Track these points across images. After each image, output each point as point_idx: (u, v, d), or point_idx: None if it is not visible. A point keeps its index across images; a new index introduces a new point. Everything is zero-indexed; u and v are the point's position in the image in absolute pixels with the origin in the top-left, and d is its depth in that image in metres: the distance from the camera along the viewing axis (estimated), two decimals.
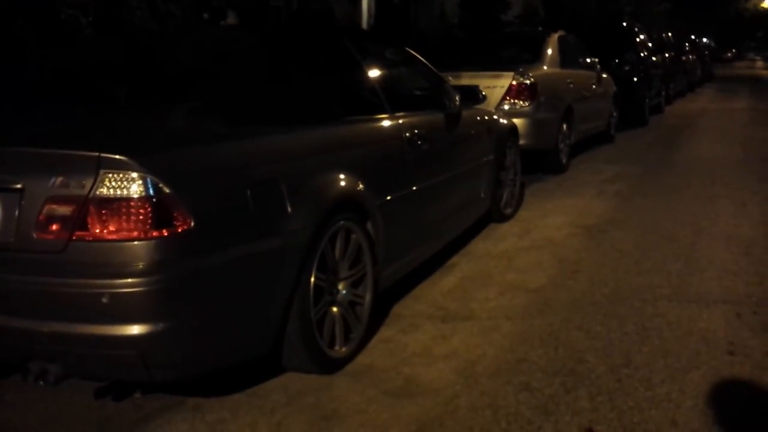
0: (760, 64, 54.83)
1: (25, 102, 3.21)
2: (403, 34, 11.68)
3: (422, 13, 17.71)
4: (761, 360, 3.15)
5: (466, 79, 6.62)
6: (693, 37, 29.02)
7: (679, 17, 33.67)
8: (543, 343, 3.34)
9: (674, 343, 3.33)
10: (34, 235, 2.39)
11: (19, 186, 2.42)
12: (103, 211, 2.32)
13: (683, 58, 19.76)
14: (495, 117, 5.51)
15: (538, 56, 7.97)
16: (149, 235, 2.31)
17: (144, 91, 3.21)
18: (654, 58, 13.80)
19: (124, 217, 2.31)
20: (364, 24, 13.12)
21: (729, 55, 59.70)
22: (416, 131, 3.88)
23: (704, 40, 36.25)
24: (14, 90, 3.34)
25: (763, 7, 56.16)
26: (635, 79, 11.86)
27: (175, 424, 2.69)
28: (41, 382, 2.47)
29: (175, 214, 2.35)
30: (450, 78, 5.97)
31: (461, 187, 4.66)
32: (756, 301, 3.86)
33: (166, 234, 2.33)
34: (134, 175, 2.31)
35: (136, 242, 2.31)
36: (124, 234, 2.32)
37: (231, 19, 9.36)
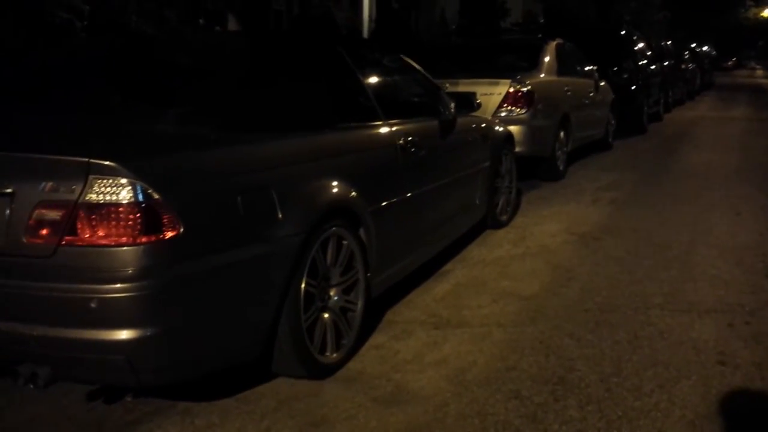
0: (760, 72, 54.88)
1: (14, 105, 3.20)
2: (403, 40, 11.72)
3: (422, 19, 17.79)
4: (752, 370, 3.15)
5: (464, 86, 6.63)
6: (693, 45, 29.05)
7: (680, 26, 33.75)
8: (534, 351, 3.35)
9: (665, 352, 3.33)
10: (24, 240, 2.39)
11: (9, 190, 2.43)
12: (93, 217, 2.33)
13: (682, 66, 19.77)
14: (490, 124, 5.52)
15: (535, 64, 7.99)
16: (138, 240, 2.32)
17: (135, 96, 3.21)
18: (653, 66, 13.81)
19: (113, 223, 2.32)
20: (365, 29, 13.15)
21: (729, 63, 59.78)
22: (410, 138, 3.88)
23: (704, 48, 36.30)
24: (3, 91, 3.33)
25: (763, 17, 56.24)
26: (633, 87, 11.87)
27: (165, 428, 2.69)
28: (31, 386, 2.49)
29: (164, 220, 2.36)
30: (447, 84, 5.99)
31: (456, 194, 4.67)
32: (748, 310, 3.86)
33: (155, 240, 2.34)
34: (123, 180, 2.32)
35: (125, 248, 2.32)
36: (113, 239, 2.32)
37: (232, 23, 9.36)
